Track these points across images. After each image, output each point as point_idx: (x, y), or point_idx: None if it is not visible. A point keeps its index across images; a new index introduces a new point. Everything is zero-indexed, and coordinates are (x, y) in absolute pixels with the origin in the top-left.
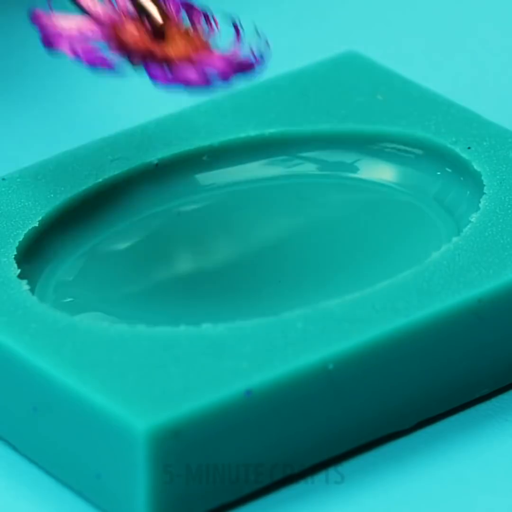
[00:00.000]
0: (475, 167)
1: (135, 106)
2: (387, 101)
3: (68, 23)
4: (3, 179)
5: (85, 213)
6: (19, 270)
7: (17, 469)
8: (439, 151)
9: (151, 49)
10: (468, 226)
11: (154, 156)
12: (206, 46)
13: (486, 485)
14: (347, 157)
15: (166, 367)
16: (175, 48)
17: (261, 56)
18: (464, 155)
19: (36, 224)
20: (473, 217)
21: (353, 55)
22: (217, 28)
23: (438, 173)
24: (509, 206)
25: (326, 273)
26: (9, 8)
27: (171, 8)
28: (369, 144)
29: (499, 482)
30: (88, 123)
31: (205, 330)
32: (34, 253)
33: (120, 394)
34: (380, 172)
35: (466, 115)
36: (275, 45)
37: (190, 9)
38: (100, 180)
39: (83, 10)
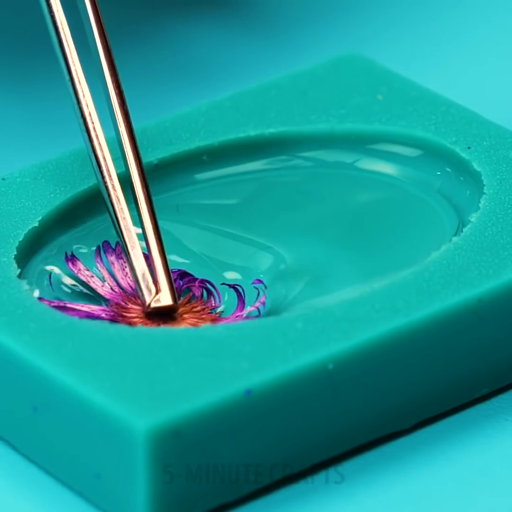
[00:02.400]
0: (475, 167)
1: (135, 106)
2: (387, 101)
3: (72, 305)
4: (3, 179)
5: (85, 213)
6: (19, 270)
7: (17, 469)
8: (439, 151)
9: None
10: (468, 226)
11: (154, 156)
12: (214, 317)
13: (486, 485)
14: (346, 157)
15: (166, 367)
16: (186, 324)
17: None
18: (464, 155)
19: (36, 224)
20: (473, 217)
21: (353, 55)
22: (220, 299)
23: (438, 173)
24: (509, 206)
25: (327, 269)
26: None
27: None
28: (368, 144)
29: (499, 482)
30: None
31: (205, 330)
32: (34, 253)
33: (120, 394)
34: (380, 171)
35: (466, 115)
36: (275, 45)
37: (191, 282)
38: None
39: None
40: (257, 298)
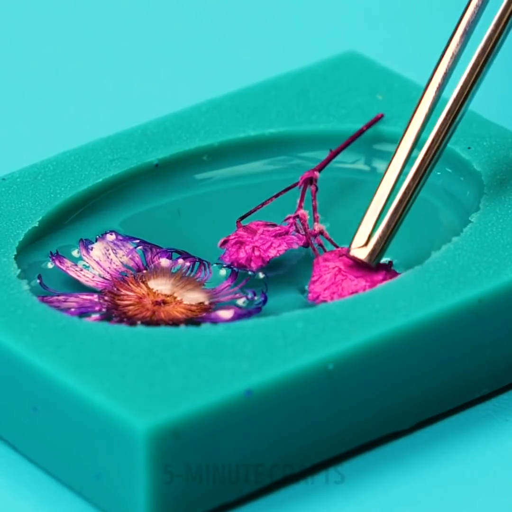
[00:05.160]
0: (475, 167)
1: (135, 106)
2: (387, 101)
3: (66, 304)
4: (3, 179)
5: (85, 213)
6: (19, 270)
7: (17, 469)
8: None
9: (156, 316)
10: (468, 226)
11: (154, 156)
12: (207, 307)
13: (486, 485)
14: (347, 157)
15: (166, 367)
16: (179, 310)
17: (262, 300)
18: (464, 155)
19: (36, 224)
20: (473, 217)
21: (353, 55)
22: (210, 273)
23: (438, 173)
24: (509, 206)
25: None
26: None
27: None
28: (369, 144)
29: (499, 482)
30: (88, 123)
31: (205, 330)
32: (34, 253)
33: (120, 394)
34: (380, 172)
35: (466, 115)
36: (275, 45)
37: (184, 259)
38: (100, 180)
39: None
40: (255, 293)
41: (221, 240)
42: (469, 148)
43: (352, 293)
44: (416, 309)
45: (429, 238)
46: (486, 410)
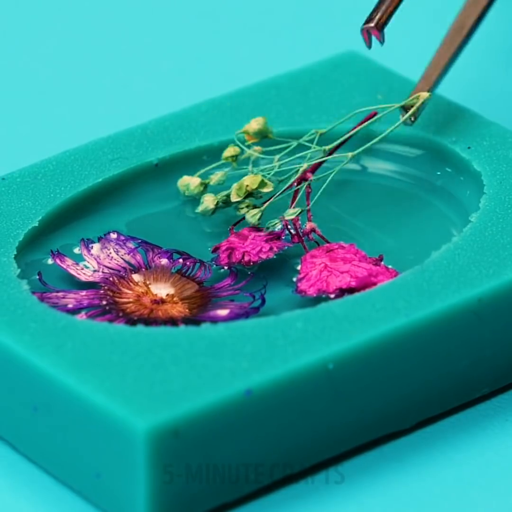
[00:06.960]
0: (475, 167)
1: (135, 106)
2: (387, 101)
3: (65, 300)
4: (3, 179)
5: (84, 213)
6: (19, 270)
7: (17, 469)
8: (439, 151)
9: (153, 314)
10: (468, 226)
11: (154, 156)
12: (206, 302)
13: (486, 485)
14: (347, 157)
15: (166, 367)
16: (177, 309)
17: (261, 301)
18: (464, 155)
19: (36, 224)
20: (473, 217)
21: (353, 55)
22: (210, 273)
23: (438, 173)
24: (509, 206)
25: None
26: None
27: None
28: (367, 143)
29: (499, 482)
30: (88, 123)
31: (205, 330)
32: (34, 252)
33: (120, 394)
34: (380, 172)
35: (466, 115)
36: (275, 45)
37: (185, 259)
38: (100, 180)
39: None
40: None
41: (213, 247)
42: (469, 148)
43: (337, 289)
44: (416, 309)
45: (429, 238)
46: (486, 410)
